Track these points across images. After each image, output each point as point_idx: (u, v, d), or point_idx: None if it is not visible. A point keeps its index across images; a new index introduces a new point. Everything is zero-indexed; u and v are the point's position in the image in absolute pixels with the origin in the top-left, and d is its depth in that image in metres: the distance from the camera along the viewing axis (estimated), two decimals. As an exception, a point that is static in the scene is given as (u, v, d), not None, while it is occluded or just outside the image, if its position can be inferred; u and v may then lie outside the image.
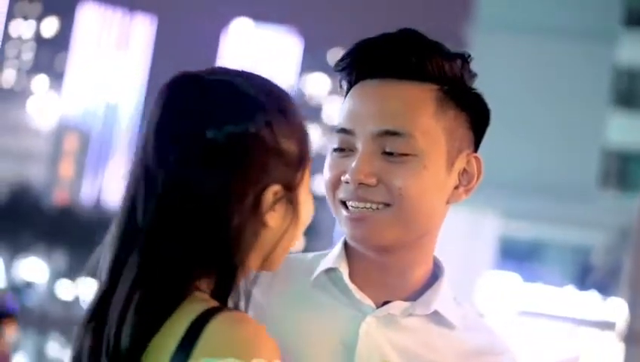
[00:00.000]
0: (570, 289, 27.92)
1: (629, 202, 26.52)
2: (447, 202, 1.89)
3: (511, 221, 29.96)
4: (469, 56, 1.91)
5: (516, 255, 29.99)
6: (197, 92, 1.65)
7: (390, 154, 1.83)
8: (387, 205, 1.82)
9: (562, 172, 30.95)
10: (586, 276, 29.53)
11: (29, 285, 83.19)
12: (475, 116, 1.90)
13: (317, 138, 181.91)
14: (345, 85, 1.93)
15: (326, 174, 1.89)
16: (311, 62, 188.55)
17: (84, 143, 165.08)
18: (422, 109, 1.84)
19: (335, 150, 1.89)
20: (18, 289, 78.40)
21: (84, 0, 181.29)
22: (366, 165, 1.82)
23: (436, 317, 1.88)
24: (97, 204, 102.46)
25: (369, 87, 1.88)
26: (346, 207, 1.85)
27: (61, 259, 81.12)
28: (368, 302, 1.85)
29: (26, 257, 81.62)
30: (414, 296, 1.88)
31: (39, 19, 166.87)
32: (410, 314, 1.86)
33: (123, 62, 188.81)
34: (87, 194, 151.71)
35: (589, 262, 30.62)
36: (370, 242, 1.84)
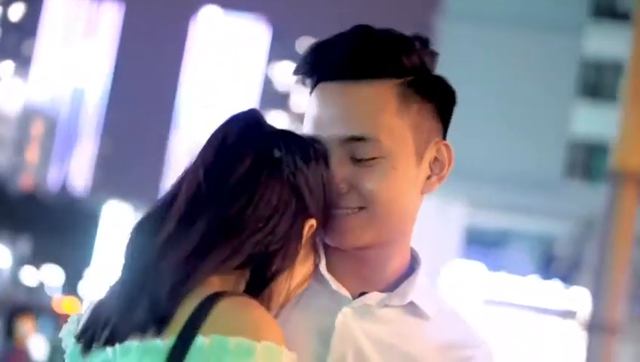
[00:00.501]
0: (534, 279, 28.07)
1: (594, 192, 26.70)
2: (422, 193, 1.90)
3: (477, 210, 30.08)
4: (427, 39, 1.89)
5: (482, 244, 30.11)
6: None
7: (359, 160, 1.82)
8: (361, 208, 1.82)
9: (528, 162, 31.09)
10: (549, 265, 29.70)
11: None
12: (441, 103, 1.89)
13: (285, 126, 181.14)
14: (308, 84, 1.91)
15: None
16: (279, 50, 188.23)
17: (51, 129, 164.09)
18: (384, 109, 1.83)
19: None
20: (-18, 275, 77.92)
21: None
22: (337, 172, 1.82)
23: (412, 309, 1.88)
24: (63, 190, 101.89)
25: (329, 91, 1.85)
26: None
27: (26, 244, 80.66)
28: (344, 292, 1.85)
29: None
30: (391, 287, 1.88)
31: (6, 4, 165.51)
32: (386, 305, 1.86)
33: (90, 48, 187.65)
34: (52, 179, 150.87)
35: (553, 252, 30.80)
36: (347, 245, 1.84)
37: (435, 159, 1.89)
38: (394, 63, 1.84)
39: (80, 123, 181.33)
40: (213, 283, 1.65)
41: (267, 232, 1.69)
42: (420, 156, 1.86)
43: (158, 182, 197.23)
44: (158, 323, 1.61)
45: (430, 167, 1.89)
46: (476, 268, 28.23)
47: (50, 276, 78.92)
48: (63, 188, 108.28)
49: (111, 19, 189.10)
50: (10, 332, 9.64)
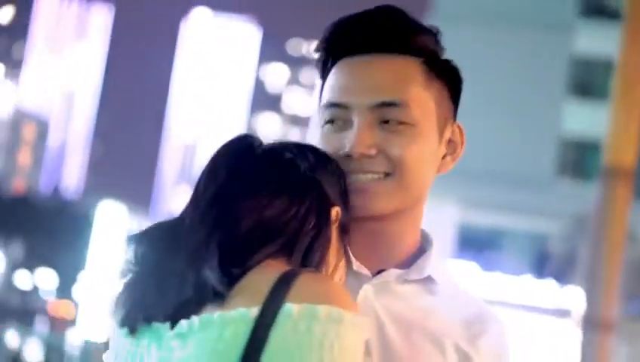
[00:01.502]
0: (528, 278, 28.10)
1: (586, 190, 26.73)
2: (437, 171, 1.97)
3: (469, 209, 30.11)
4: (438, 31, 1.97)
5: (474, 243, 30.14)
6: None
7: (387, 123, 1.88)
8: (387, 174, 1.88)
9: (519, 160, 31.14)
10: (543, 264, 29.73)
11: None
12: (454, 87, 1.98)
13: (276, 127, 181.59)
14: (326, 64, 1.97)
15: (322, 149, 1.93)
16: (270, 51, 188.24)
17: (42, 132, 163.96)
18: (413, 81, 1.90)
19: (327, 123, 1.93)
20: (-25, 279, 77.80)
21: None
22: (366, 137, 1.88)
23: (429, 285, 1.93)
24: (56, 193, 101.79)
25: (357, 62, 1.92)
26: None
27: (19, 248, 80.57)
28: (365, 271, 1.90)
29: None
30: (405, 264, 1.93)
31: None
32: (405, 281, 1.91)
33: (81, 51, 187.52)
34: (45, 183, 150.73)
35: (546, 251, 30.84)
36: (372, 211, 1.89)
37: (450, 140, 1.97)
38: (420, 43, 1.93)
39: (71, 125, 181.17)
40: (272, 264, 1.70)
41: (303, 225, 1.75)
42: (441, 132, 1.94)
43: (150, 183, 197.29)
44: (220, 297, 1.66)
45: (446, 147, 1.97)
46: (469, 267, 28.25)
47: (44, 279, 78.83)
48: (56, 191, 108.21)
49: (101, 21, 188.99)
50: None
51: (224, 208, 1.74)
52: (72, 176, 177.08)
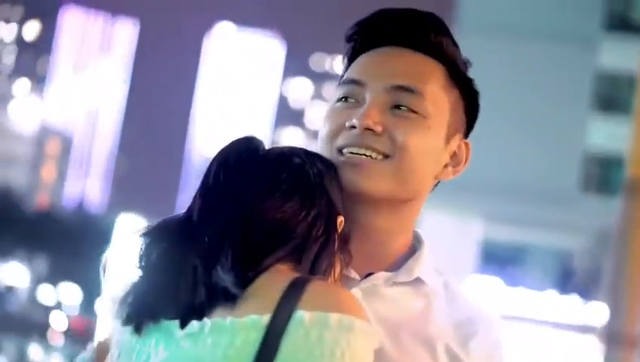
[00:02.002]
0: (552, 293, 27.97)
1: (610, 206, 26.59)
2: (436, 177, 1.94)
3: (493, 224, 30.01)
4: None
5: (498, 259, 30.04)
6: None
7: (399, 108, 1.88)
8: (386, 156, 1.87)
9: (543, 176, 31.03)
10: (567, 280, 29.59)
11: (10, 290, 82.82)
12: (470, 103, 1.98)
13: (300, 142, 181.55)
14: (353, 55, 1.97)
15: (327, 123, 1.93)
16: (293, 66, 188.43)
17: (67, 146, 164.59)
18: (434, 78, 1.91)
19: (339, 100, 1.93)
20: (-1, 293, 78.13)
21: (67, 3, 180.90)
22: (375, 112, 1.87)
23: (419, 287, 1.91)
24: (79, 208, 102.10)
25: (384, 51, 1.94)
26: (342, 155, 1.88)
27: (42, 263, 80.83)
28: (354, 274, 1.88)
29: (6, 262, 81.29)
30: (395, 267, 1.91)
31: (21, 22, 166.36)
32: (394, 283, 1.89)
33: (105, 66, 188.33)
34: (69, 197, 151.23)
35: (570, 266, 30.69)
36: (364, 189, 1.87)
37: (455, 153, 1.96)
38: (449, 50, 1.95)
39: (95, 140, 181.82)
40: (281, 269, 1.71)
41: (311, 230, 1.75)
42: (448, 138, 1.93)
43: (174, 199, 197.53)
44: (232, 300, 1.66)
45: (450, 158, 1.95)
46: (493, 283, 28.16)
47: (67, 294, 79.03)
48: (80, 206, 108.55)
49: (126, 36, 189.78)
50: None
51: (235, 207, 1.74)
52: (96, 191, 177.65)
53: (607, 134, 32.02)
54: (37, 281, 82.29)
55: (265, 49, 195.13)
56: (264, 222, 1.72)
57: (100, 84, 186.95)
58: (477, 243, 29.82)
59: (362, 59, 1.95)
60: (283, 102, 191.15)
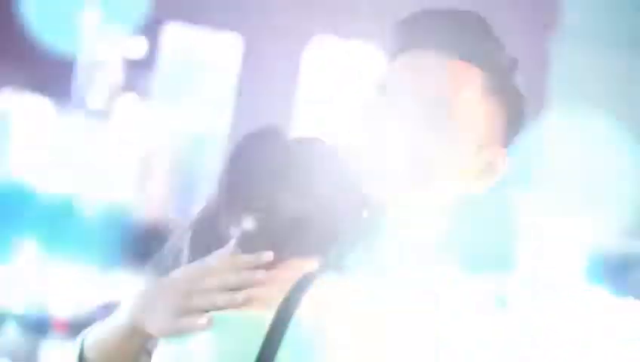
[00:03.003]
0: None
1: None
2: (465, 188, 1.88)
3: (602, 233, 29.53)
4: (516, 60, 1.91)
5: (606, 268, 29.54)
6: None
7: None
8: None
9: None
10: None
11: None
12: (514, 114, 1.89)
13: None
14: (394, 54, 1.94)
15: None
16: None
17: (174, 161, 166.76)
18: (466, 86, 1.84)
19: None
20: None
21: (170, 20, 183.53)
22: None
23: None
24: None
25: (423, 55, 1.87)
26: None
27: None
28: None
29: (116, 274, 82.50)
30: None
31: (125, 40, 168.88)
32: None
33: (210, 82, 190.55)
34: (177, 212, 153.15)
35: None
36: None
37: (490, 162, 1.87)
38: (483, 49, 1.87)
39: (201, 158, 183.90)
40: (293, 264, 1.70)
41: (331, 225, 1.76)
42: (480, 144, 1.86)
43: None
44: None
45: (483, 165, 1.87)
46: (599, 292, 27.70)
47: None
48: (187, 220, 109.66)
49: (230, 52, 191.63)
50: None
51: (256, 198, 1.74)
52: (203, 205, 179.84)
53: None
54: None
55: (364, 60, 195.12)
56: (286, 214, 1.72)
57: (206, 98, 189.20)
58: (586, 251, 29.38)
59: (396, 64, 1.90)
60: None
